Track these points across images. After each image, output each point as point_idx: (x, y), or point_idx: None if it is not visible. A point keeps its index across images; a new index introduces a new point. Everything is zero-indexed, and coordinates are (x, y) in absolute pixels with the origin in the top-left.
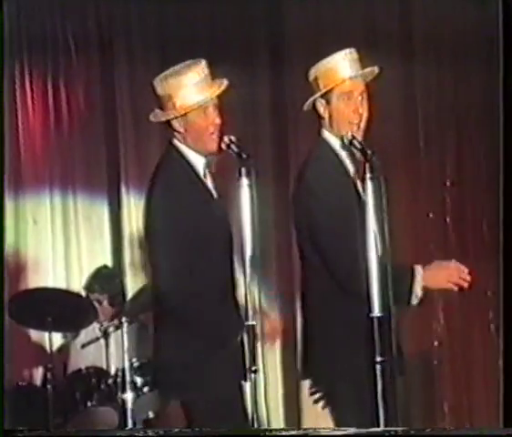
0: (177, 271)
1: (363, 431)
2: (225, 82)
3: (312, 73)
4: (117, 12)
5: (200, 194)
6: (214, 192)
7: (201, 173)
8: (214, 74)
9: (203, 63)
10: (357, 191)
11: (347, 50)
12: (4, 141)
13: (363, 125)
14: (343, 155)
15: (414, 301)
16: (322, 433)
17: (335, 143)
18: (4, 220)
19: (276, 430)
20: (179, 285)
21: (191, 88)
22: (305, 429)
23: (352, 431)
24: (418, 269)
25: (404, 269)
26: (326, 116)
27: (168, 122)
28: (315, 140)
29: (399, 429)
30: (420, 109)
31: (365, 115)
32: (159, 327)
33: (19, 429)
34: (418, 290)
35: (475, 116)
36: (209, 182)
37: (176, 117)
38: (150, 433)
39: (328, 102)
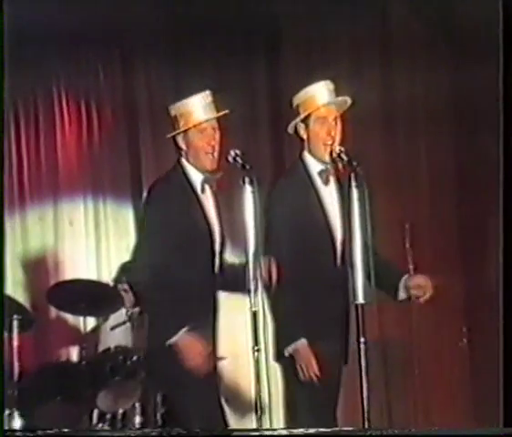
0: (153, 266)
1: (363, 430)
2: (225, 112)
3: (295, 101)
4: (137, 45)
5: (190, 206)
6: (211, 206)
7: (198, 188)
8: (218, 102)
9: (208, 93)
10: (322, 207)
11: (324, 82)
12: (3, 150)
13: (335, 145)
14: (315, 175)
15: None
16: (323, 433)
17: (312, 163)
18: (4, 221)
19: (276, 430)
20: (154, 278)
21: (194, 111)
22: (305, 429)
23: (351, 430)
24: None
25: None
26: (305, 137)
27: (174, 140)
28: (295, 161)
29: (400, 431)
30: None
31: (338, 137)
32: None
33: (19, 429)
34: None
35: (465, 121)
36: (206, 197)
37: (178, 134)
38: (152, 433)
39: (307, 126)
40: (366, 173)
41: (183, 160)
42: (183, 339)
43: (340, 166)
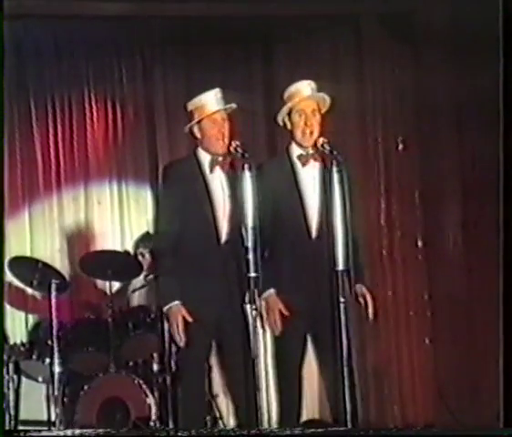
0: (168, 235)
1: (362, 430)
2: (233, 105)
3: (284, 95)
4: (154, 53)
5: (196, 181)
6: (219, 183)
7: (206, 167)
8: (227, 98)
9: (218, 89)
10: (298, 186)
11: (307, 81)
12: (3, 144)
13: (315, 135)
14: (295, 159)
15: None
16: (322, 433)
17: (294, 149)
18: (3, 221)
19: (275, 430)
20: (168, 246)
21: (207, 104)
22: (304, 429)
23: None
24: None
25: None
26: (289, 127)
27: (190, 131)
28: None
29: (398, 431)
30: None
31: (316, 128)
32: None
33: (19, 429)
34: None
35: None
36: (215, 174)
37: (194, 124)
38: (155, 433)
39: (289, 117)
40: (345, 160)
41: (198, 149)
42: (172, 309)
43: (322, 154)
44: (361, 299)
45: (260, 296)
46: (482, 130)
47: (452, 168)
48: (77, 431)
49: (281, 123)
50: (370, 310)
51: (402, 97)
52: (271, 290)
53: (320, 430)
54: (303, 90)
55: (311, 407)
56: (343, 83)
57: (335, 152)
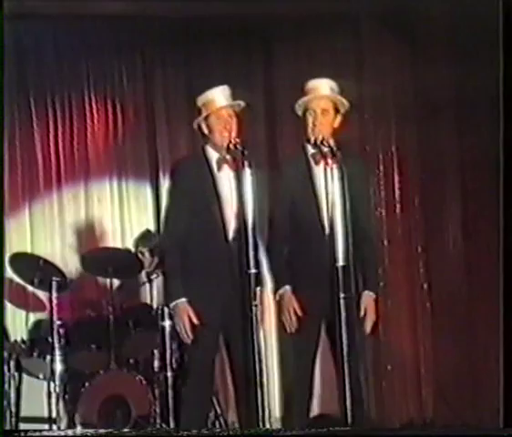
0: (175, 235)
1: (363, 430)
2: (242, 103)
3: (305, 87)
4: (154, 53)
5: (204, 180)
6: (227, 181)
7: (214, 165)
8: (235, 95)
9: (226, 87)
10: (313, 183)
11: (326, 79)
12: (3, 144)
13: (322, 133)
14: (310, 157)
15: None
16: (324, 433)
17: (309, 149)
18: (3, 221)
19: (275, 430)
20: (175, 245)
21: (215, 99)
22: (304, 429)
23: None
24: None
25: None
26: (304, 124)
27: (199, 127)
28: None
29: (400, 431)
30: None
31: (323, 126)
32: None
33: (19, 429)
34: None
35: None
36: (223, 171)
37: (202, 120)
38: (155, 433)
39: (304, 114)
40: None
41: (206, 146)
42: (178, 306)
43: (324, 152)
44: (361, 313)
45: (275, 292)
46: (482, 129)
47: (451, 168)
48: (78, 431)
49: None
50: (368, 325)
51: (401, 96)
52: (287, 287)
53: (322, 430)
54: (319, 88)
55: (324, 402)
56: (343, 80)
57: (335, 148)
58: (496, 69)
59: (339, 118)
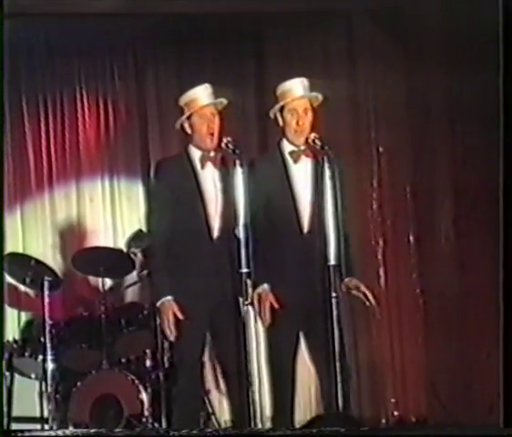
0: (160, 234)
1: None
2: (224, 100)
3: (277, 91)
4: (146, 52)
5: (187, 178)
6: (211, 180)
7: (198, 165)
8: (217, 93)
9: (208, 85)
10: (289, 182)
11: (300, 79)
12: (3, 144)
13: (306, 132)
14: (287, 155)
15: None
16: (320, 434)
17: (286, 145)
18: (3, 220)
19: (275, 430)
20: (161, 244)
21: (197, 98)
22: (302, 429)
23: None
24: None
25: None
26: (281, 124)
27: (181, 127)
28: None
29: (398, 430)
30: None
31: (309, 125)
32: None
33: (19, 429)
34: None
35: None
36: (207, 170)
37: (185, 119)
38: (151, 433)
39: (281, 114)
40: (336, 155)
41: (189, 145)
42: (164, 304)
43: (314, 149)
44: (355, 292)
45: (253, 291)
46: (474, 127)
47: (444, 165)
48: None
49: (272, 117)
50: (369, 297)
51: (394, 94)
52: (265, 285)
53: (315, 430)
54: (296, 89)
55: (305, 403)
56: (335, 79)
57: (326, 147)
58: (491, 68)
59: (312, 114)
